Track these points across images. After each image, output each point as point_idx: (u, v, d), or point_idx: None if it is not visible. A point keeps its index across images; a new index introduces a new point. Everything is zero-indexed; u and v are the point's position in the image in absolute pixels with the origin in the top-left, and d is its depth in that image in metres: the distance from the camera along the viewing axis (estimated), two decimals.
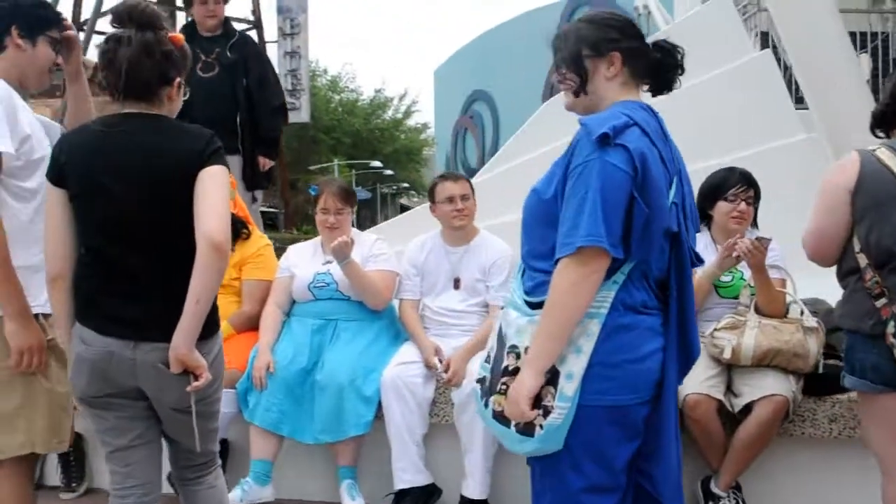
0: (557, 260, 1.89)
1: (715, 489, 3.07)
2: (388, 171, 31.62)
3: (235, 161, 4.68)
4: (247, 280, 3.78)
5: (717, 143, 4.64)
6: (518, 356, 1.96)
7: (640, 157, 1.88)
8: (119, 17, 2.15)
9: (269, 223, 39.59)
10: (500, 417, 2.01)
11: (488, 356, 2.15)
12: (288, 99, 29.60)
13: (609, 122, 1.89)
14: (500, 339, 2.08)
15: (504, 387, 2.00)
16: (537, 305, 1.96)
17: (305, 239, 4.57)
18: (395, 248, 3.78)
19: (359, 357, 3.36)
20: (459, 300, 3.54)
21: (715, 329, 3.11)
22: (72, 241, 2.20)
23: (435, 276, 3.58)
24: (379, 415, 3.32)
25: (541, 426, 1.92)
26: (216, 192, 2.11)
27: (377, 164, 30.93)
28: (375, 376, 3.32)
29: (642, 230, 1.91)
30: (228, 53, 4.72)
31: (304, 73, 31.06)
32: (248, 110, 4.73)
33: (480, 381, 2.15)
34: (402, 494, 3.26)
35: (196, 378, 2.15)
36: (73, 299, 2.22)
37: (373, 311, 3.55)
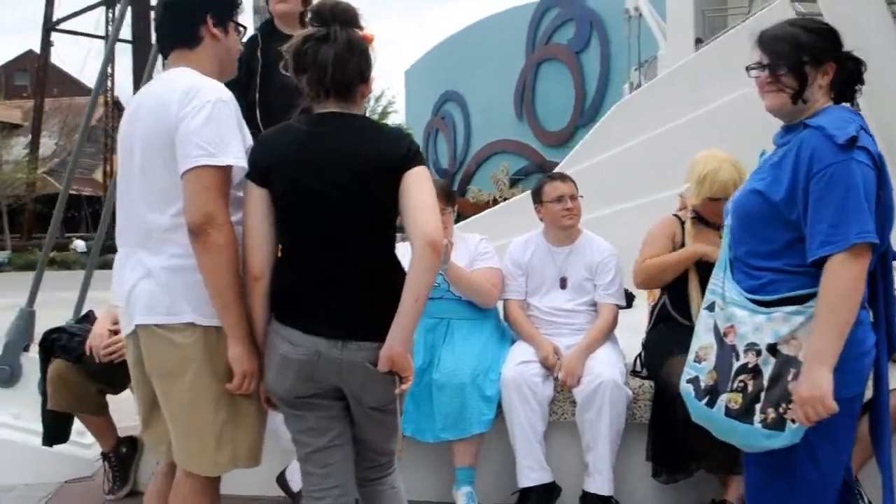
0: (822, 259, 1.95)
1: None
2: None
3: None
4: None
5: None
6: (758, 353, 2.01)
7: (879, 158, 1.96)
8: (321, 14, 2.16)
9: None
10: (737, 415, 2.06)
11: (697, 356, 2.20)
12: None
13: (847, 125, 1.96)
14: (719, 337, 2.14)
15: (741, 384, 2.05)
16: (769, 304, 2.02)
17: None
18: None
19: (478, 356, 3.38)
20: (567, 299, 3.58)
21: None
22: (272, 241, 2.20)
23: (541, 276, 3.61)
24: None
25: (792, 420, 1.97)
26: (426, 193, 2.14)
27: None
28: (494, 375, 3.34)
29: (881, 227, 1.99)
30: None
31: None
32: None
33: (692, 381, 2.20)
34: (526, 492, 3.29)
35: (402, 380, 2.17)
36: (271, 300, 2.21)
37: (482, 309, 3.57)
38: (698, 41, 12.95)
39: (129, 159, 2.30)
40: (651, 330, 3.51)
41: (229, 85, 4.51)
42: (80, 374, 3.49)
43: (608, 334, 3.51)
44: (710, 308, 2.21)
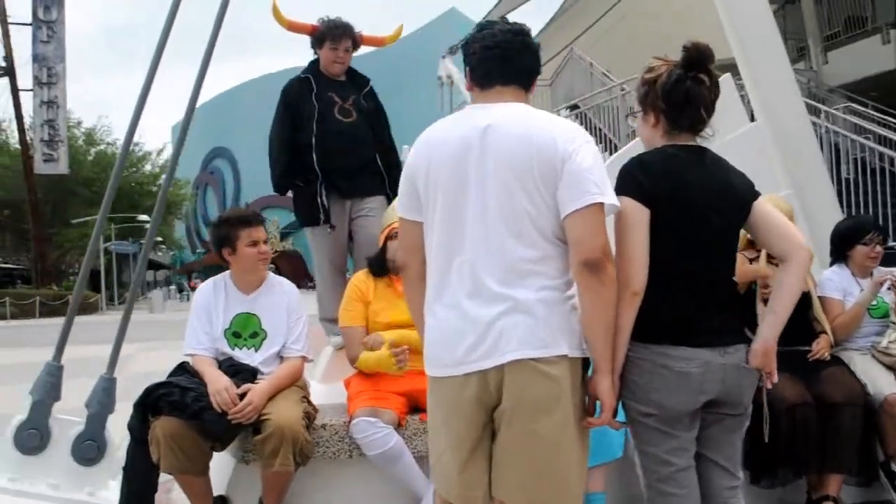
0: None
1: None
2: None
3: (384, 202, 4.38)
4: None
5: None
6: None
7: None
8: (701, 56, 2.22)
9: (6, 279, 34.96)
10: None
11: None
12: (45, 150, 27.00)
13: None
14: None
15: None
16: None
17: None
18: None
19: None
20: None
21: (889, 343, 3.63)
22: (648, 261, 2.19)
23: None
24: None
25: None
26: (780, 214, 2.33)
27: (144, 217, 28.75)
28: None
29: None
30: (363, 101, 4.45)
31: (61, 124, 28.41)
32: (384, 155, 4.47)
33: None
34: None
35: (768, 375, 2.31)
36: (650, 321, 2.18)
37: None
38: None
39: (476, 184, 2.11)
40: None
41: (281, 126, 4.26)
42: (193, 432, 3.01)
43: None
44: None
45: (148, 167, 34.64)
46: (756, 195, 2.32)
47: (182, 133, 4.06)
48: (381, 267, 3.56)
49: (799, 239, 2.27)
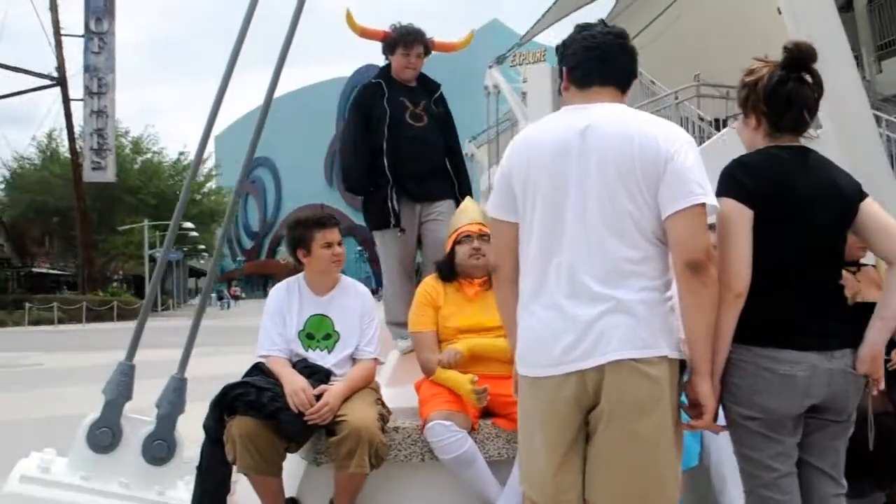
0: None
1: None
2: (195, 233, 30.05)
3: (453, 206, 4.36)
4: None
5: None
6: None
7: None
8: (802, 55, 2.18)
9: (53, 285, 35.75)
10: None
11: None
12: (93, 158, 27.47)
13: None
14: None
15: None
16: None
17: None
18: None
19: None
20: None
21: None
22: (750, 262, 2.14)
23: None
24: None
25: None
26: (888, 216, 2.24)
27: (189, 225, 29.23)
28: None
29: None
30: (434, 106, 4.47)
31: (110, 133, 29.04)
32: (454, 160, 4.49)
33: None
34: None
35: (875, 382, 2.22)
36: (753, 325, 2.14)
37: None
38: None
39: (576, 185, 2.08)
40: None
41: (354, 131, 4.30)
42: (269, 432, 3.01)
43: None
44: None
45: None
46: (863, 196, 2.25)
47: (251, 149, 4.08)
48: (450, 271, 3.54)
49: None
